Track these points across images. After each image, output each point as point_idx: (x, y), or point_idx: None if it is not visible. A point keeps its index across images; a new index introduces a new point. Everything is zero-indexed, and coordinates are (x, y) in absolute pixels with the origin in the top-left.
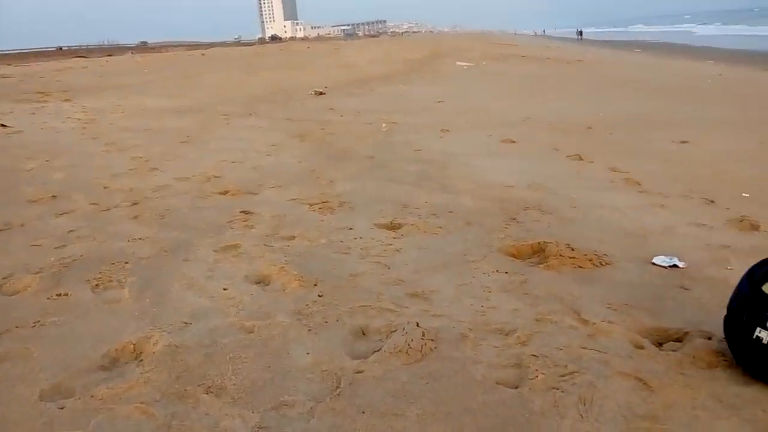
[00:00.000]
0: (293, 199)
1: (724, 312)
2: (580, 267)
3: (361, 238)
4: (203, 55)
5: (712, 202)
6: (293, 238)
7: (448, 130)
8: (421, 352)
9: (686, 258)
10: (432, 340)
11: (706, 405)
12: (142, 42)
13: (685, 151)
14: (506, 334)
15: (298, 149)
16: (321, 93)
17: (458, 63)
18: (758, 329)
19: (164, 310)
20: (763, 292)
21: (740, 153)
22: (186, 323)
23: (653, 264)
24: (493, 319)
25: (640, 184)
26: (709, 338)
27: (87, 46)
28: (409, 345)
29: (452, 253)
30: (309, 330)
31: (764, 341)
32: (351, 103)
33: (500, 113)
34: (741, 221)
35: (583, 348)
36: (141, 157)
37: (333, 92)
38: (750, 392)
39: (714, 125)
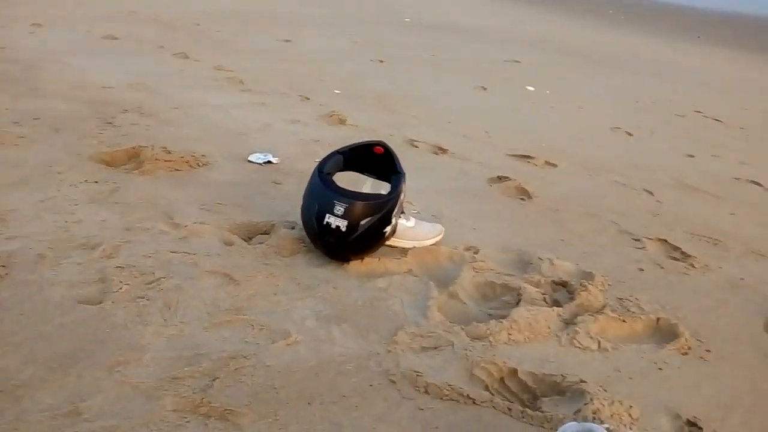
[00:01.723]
0: None
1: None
2: (177, 170)
3: None
4: None
5: (308, 98)
6: None
7: (40, 25)
8: None
9: (280, 153)
10: (3, 266)
11: (287, 290)
12: None
13: (288, 50)
14: (92, 248)
15: None
16: None
17: None
18: (327, 215)
19: None
20: (330, 182)
21: (336, 51)
22: None
23: (249, 162)
24: (77, 234)
25: (243, 83)
26: (293, 228)
27: None
28: None
29: (35, 166)
30: None
31: (333, 226)
32: None
33: (101, 4)
34: (331, 116)
35: (173, 252)
36: None
37: None
38: (324, 272)
39: (314, 24)
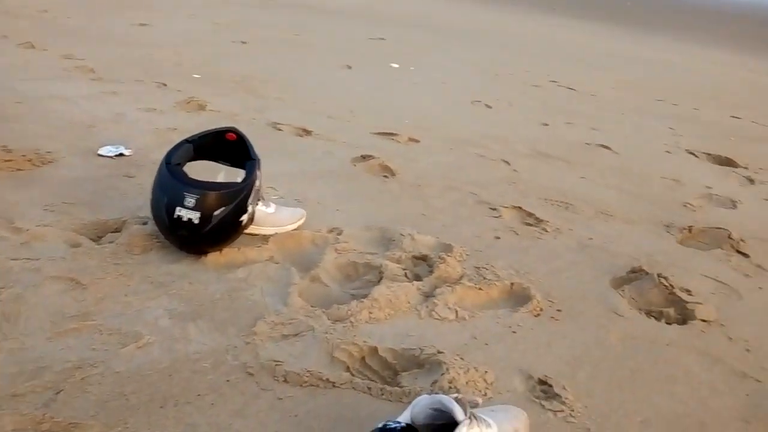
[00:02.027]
0: None
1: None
2: (19, 170)
3: None
4: None
5: (165, 85)
6: None
7: None
8: None
9: (133, 144)
10: None
11: (139, 289)
12: None
13: (144, 34)
14: None
15: None
16: None
17: None
18: (178, 208)
19: None
20: (179, 173)
21: (196, 34)
22: None
23: (99, 155)
24: None
25: (94, 71)
26: (145, 223)
27: None
28: None
29: None
30: None
31: (184, 219)
32: None
33: None
34: (189, 102)
35: (14, 259)
36: None
37: None
38: (179, 268)
39: (172, 6)
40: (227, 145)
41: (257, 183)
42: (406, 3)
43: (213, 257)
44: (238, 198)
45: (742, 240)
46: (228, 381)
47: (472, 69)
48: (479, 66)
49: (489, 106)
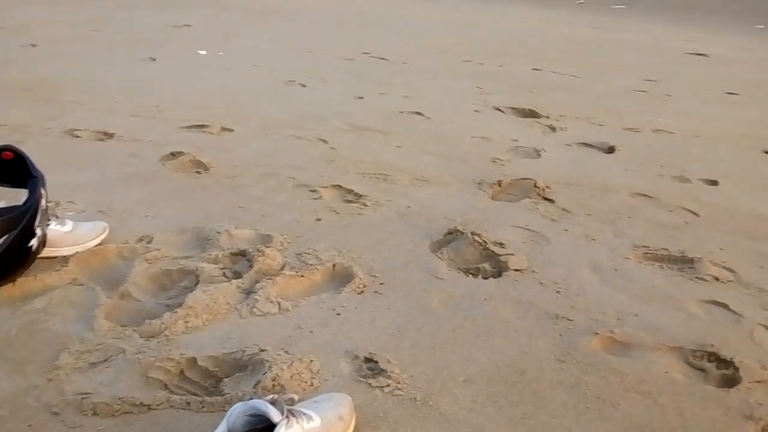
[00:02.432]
0: None
1: None
2: None
3: None
4: None
5: None
6: None
7: None
8: None
9: None
10: None
11: None
12: None
13: None
14: None
15: None
16: None
17: None
18: None
19: None
20: None
21: None
22: None
23: None
24: None
25: None
26: None
27: None
28: None
29: None
30: None
31: None
32: None
33: None
34: None
35: None
36: None
37: None
38: None
39: None
40: (4, 165)
41: (43, 202)
42: None
43: (5, 290)
44: (23, 222)
45: (547, 187)
46: (30, 426)
47: (284, 49)
48: (292, 45)
49: (303, 85)
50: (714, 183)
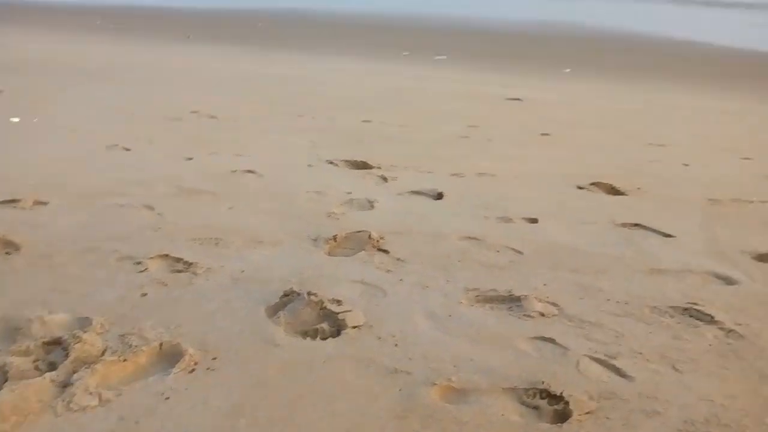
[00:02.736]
0: None
1: None
2: None
3: None
4: None
5: None
6: None
7: None
8: None
9: None
10: None
11: None
12: None
13: None
14: None
15: None
16: None
17: None
18: None
19: None
20: None
21: None
22: None
23: None
24: None
25: None
26: None
27: None
28: None
29: None
30: None
31: None
32: None
33: None
34: None
35: None
36: None
37: None
38: None
39: None
40: None
41: None
42: (27, 45)
43: None
44: None
45: (381, 237)
46: None
47: (106, 111)
48: (116, 107)
49: (127, 149)
50: (534, 221)
